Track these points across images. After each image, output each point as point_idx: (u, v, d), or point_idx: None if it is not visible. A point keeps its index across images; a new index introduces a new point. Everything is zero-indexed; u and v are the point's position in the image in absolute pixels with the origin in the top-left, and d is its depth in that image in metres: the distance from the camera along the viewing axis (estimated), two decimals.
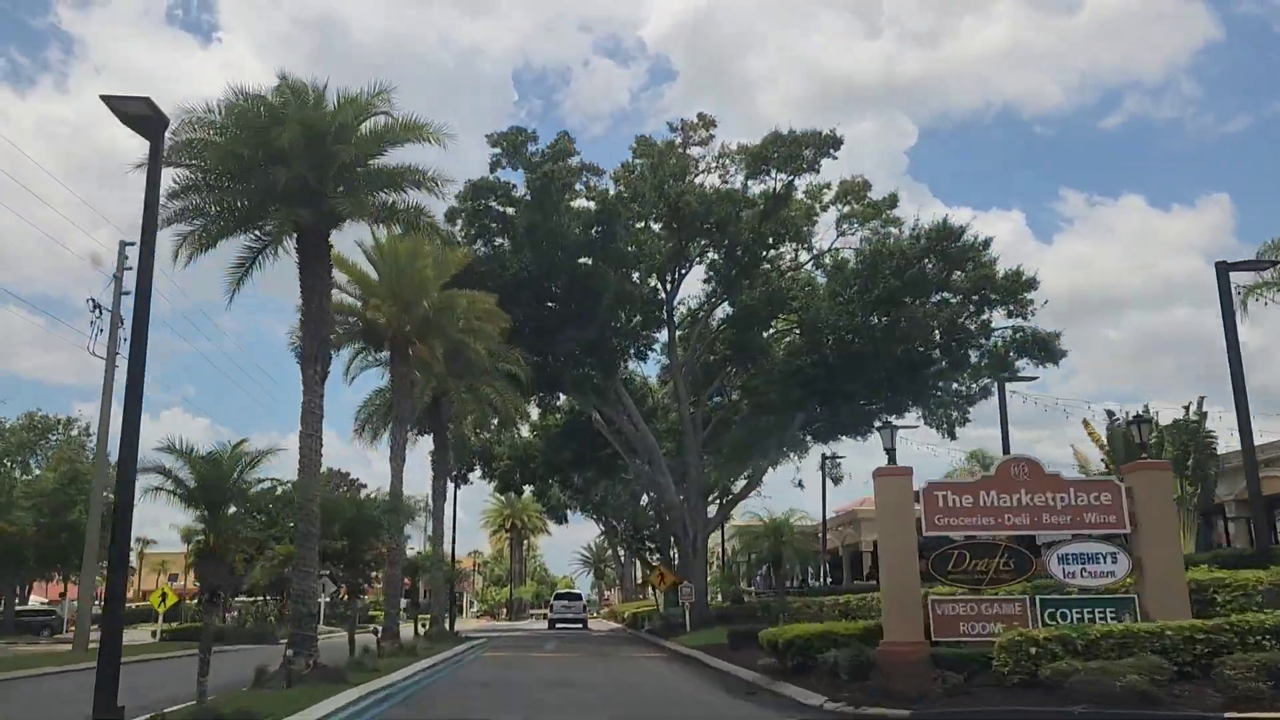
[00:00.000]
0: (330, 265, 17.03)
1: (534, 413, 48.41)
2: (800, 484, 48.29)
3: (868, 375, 35.94)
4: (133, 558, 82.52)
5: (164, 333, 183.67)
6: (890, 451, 15.53)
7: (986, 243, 33.33)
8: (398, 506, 23.44)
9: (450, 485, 46.75)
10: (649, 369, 46.53)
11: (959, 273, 33.90)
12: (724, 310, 40.36)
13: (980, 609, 14.35)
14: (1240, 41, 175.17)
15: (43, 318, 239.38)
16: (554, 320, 36.18)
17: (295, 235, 17.02)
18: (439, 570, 32.52)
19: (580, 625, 54.27)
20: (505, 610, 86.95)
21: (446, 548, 52.89)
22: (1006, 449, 24.90)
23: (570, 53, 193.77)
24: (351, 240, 31.32)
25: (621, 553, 76.39)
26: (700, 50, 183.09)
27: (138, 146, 17.10)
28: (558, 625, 53.85)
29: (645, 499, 58.96)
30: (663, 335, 40.41)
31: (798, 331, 39.44)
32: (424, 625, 30.84)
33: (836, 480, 50.58)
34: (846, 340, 35.04)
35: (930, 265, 33.65)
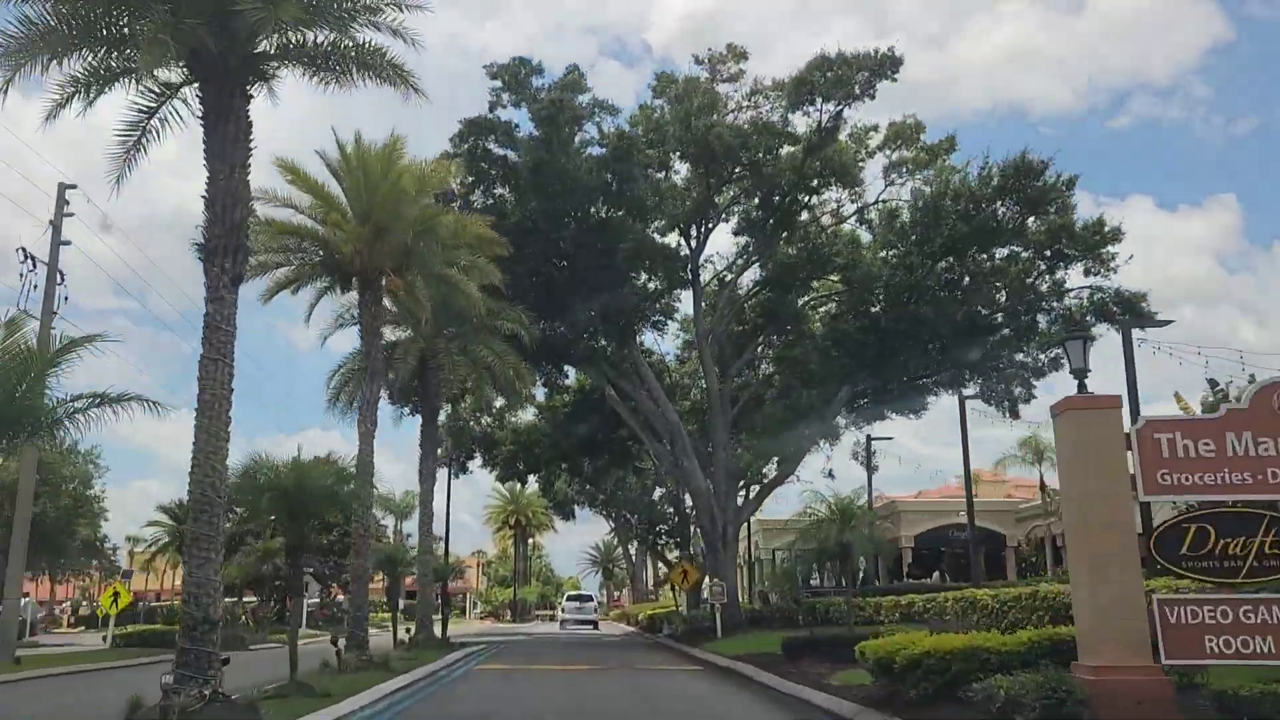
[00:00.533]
0: (249, 123, 11.73)
1: (540, 394, 43.28)
2: (831, 474, 42.93)
3: (924, 341, 30.62)
4: (122, 557, 77.45)
5: (167, 335, 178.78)
6: (1081, 374, 10.21)
7: (1071, 182, 27.98)
8: (366, 479, 18.17)
9: (446, 471, 41.53)
10: (665, 345, 41.24)
11: (1036, 219, 28.56)
12: (754, 276, 35.10)
13: (1237, 615, 8.99)
14: (1250, 42, 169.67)
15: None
16: (562, 279, 30.91)
17: (198, 84, 11.79)
18: (427, 564, 27.13)
19: (591, 626, 52.90)
20: (509, 612, 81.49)
21: (442, 545, 47.47)
22: (1135, 409, 19.47)
23: (577, 55, 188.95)
24: (313, 151, 25.75)
25: (633, 550, 70.95)
26: (706, 53, 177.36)
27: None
28: (569, 625, 52.76)
29: (659, 492, 53.67)
30: (685, 304, 35.27)
31: (836, 300, 34.18)
32: (408, 631, 25.59)
33: (871, 470, 45.42)
34: (901, 299, 29.70)
35: (1003, 209, 28.32)
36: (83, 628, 59.58)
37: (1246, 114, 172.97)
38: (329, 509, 14.89)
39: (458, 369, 25.20)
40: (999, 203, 28.06)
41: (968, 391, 34.11)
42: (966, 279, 30.28)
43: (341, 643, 17.26)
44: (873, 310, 30.90)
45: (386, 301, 21.68)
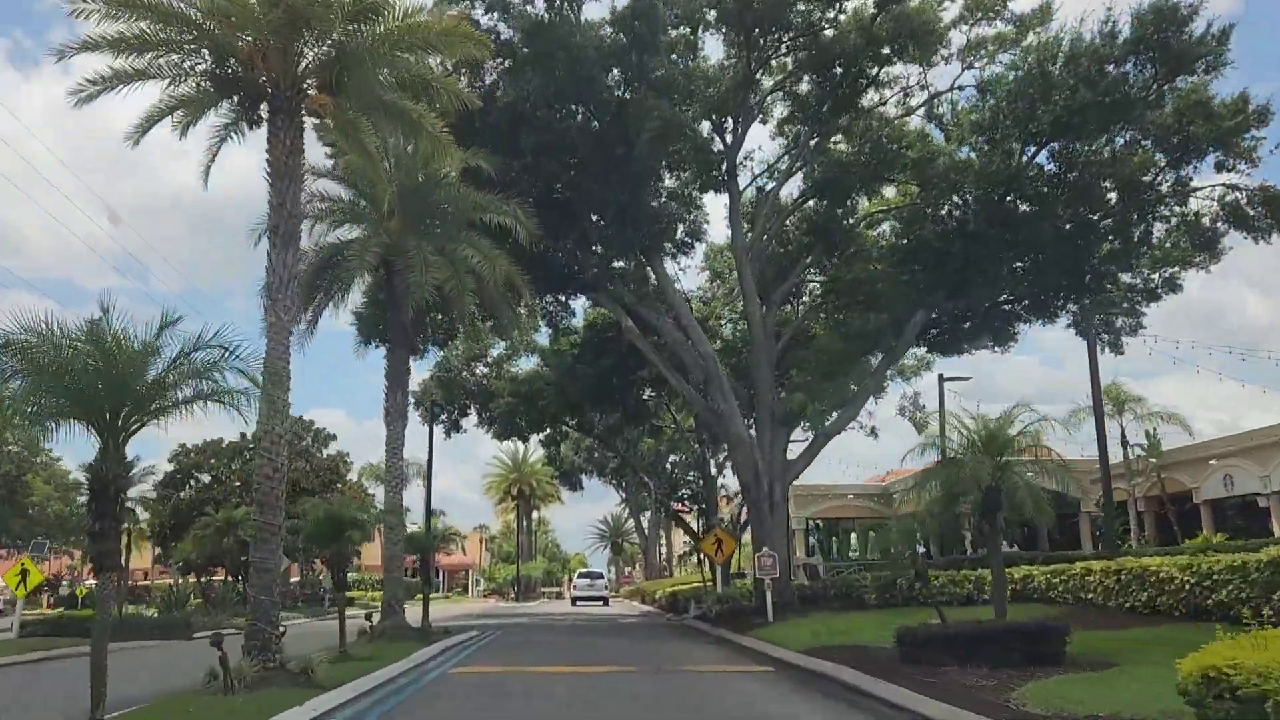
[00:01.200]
0: None
1: (543, 340, 36.78)
2: (874, 432, 36.40)
3: (1021, 251, 24.04)
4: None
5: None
6: None
7: (1224, 34, 21.18)
8: (278, 388, 11.60)
9: (436, 428, 35.10)
10: (689, 284, 34.58)
11: (1177, 85, 21.87)
12: (799, 186, 28.45)
13: None
14: (1261, 16, 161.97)
15: (50, 301, 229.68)
16: (568, 181, 24.32)
17: None
18: (397, 531, 20.40)
19: (602, 602, 52.16)
20: (514, 590, 74.95)
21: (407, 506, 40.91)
22: None
23: None
24: None
25: (645, 522, 64.42)
26: None
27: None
28: (580, 602, 52.17)
29: (674, 458, 47.17)
30: (714, 229, 28.64)
31: (896, 215, 27.57)
32: (368, 618, 19.07)
33: (920, 427, 38.99)
34: (995, 196, 23.04)
35: (1134, 71, 21.59)
36: (61, 610, 53.56)
37: (1256, 84, 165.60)
38: (160, 410, 8.32)
39: (432, 271, 18.56)
40: (1130, 63, 21.34)
41: (1061, 324, 27.75)
42: (1074, 173, 23.59)
43: (223, 646, 10.70)
44: (954, 214, 24.24)
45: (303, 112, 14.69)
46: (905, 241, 24.49)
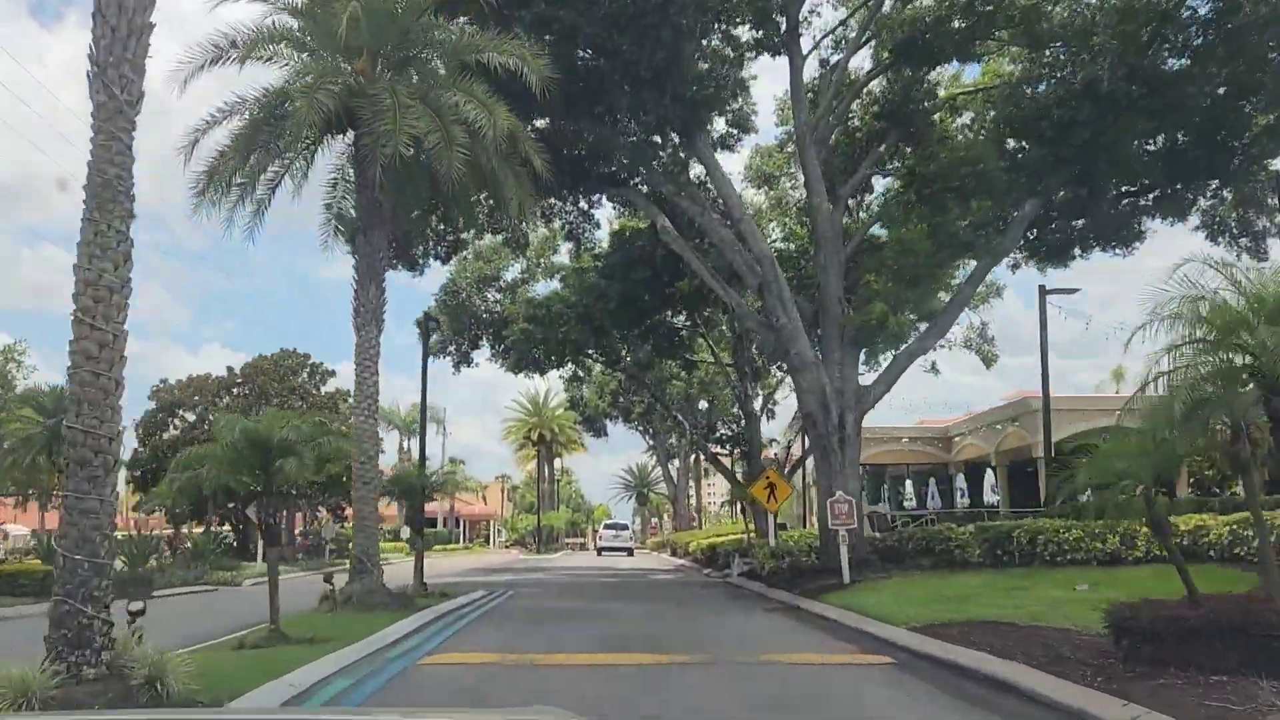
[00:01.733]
0: None
1: (563, 259, 31.84)
2: (934, 367, 31.25)
3: (1162, 123, 18.61)
4: (121, 484, 67.32)
5: (201, 269, 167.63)
6: None
7: None
8: (108, 204, 6.67)
9: (442, 360, 30.35)
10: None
11: None
12: (869, 61, 23.09)
13: None
14: None
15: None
16: (588, 38, 18.94)
17: None
18: (369, 467, 15.26)
19: (627, 553, 51.78)
20: (535, 541, 70.49)
21: (414, 456, 36.28)
22: None
23: None
24: None
25: (674, 470, 59.62)
26: None
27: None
28: (605, 552, 52.24)
29: (705, 404, 42.13)
30: (764, 115, 23.27)
31: (988, 93, 22.21)
32: (330, 580, 14.26)
33: (989, 361, 33.82)
34: (1138, 46, 17.55)
35: None
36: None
37: None
38: None
39: (408, 119, 13.42)
40: None
41: (1191, 224, 22.41)
42: (1233, 19, 18.03)
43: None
44: (1077, 74, 18.75)
45: None
46: (1022, 101, 19.00)
